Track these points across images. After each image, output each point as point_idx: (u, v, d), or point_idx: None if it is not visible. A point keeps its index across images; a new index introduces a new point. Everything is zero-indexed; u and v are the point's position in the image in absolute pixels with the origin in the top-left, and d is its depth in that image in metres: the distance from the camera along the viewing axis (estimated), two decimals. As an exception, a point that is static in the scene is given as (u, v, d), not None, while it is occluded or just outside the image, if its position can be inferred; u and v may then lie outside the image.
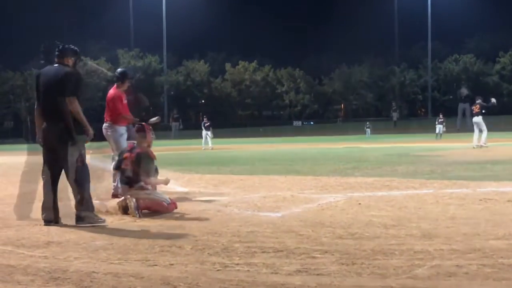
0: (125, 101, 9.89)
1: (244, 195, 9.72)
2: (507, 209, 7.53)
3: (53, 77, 7.13)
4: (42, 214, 7.16)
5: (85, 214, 6.97)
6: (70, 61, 7.35)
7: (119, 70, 10.24)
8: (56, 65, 7.29)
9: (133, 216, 7.55)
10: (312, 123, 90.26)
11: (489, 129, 24.38)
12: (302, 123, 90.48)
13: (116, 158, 9.52)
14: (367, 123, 66.80)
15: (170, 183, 8.79)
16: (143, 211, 7.73)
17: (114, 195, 9.29)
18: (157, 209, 7.91)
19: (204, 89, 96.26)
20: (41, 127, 7.18)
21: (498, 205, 7.93)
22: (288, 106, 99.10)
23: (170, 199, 8.15)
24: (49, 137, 7.08)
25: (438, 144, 32.51)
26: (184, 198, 9.57)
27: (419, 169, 14.12)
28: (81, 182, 7.04)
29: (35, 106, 7.34)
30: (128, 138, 9.70)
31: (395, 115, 45.84)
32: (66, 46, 7.48)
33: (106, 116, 9.83)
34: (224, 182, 11.93)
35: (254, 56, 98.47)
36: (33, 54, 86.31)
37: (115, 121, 9.75)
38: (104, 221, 7.10)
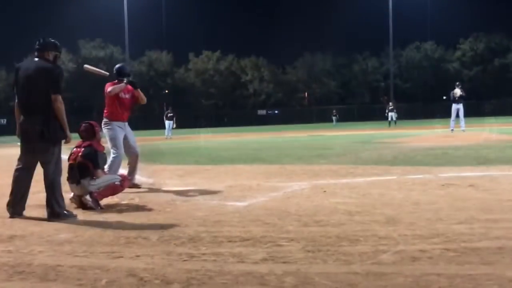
0: (125, 96, 9.67)
1: (210, 185, 9.71)
2: (468, 194, 7.66)
3: (34, 72, 6.93)
4: (9, 207, 7.05)
5: (58, 210, 6.89)
6: (51, 55, 7.13)
7: (116, 66, 9.99)
8: (36, 59, 7.09)
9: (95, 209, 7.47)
10: (276, 112, 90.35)
11: (450, 115, 24.82)
12: (267, 112, 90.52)
13: (113, 153, 9.44)
14: (334, 111, 67.23)
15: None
16: (101, 200, 7.63)
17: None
18: (113, 192, 7.84)
19: (167, 79, 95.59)
20: (18, 121, 7.03)
21: (460, 190, 8.06)
22: (252, 95, 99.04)
23: (119, 175, 8.07)
24: (27, 131, 6.95)
25: (400, 131, 32.87)
26: (149, 189, 9.53)
27: (382, 156, 14.29)
28: (55, 178, 6.96)
29: (16, 101, 7.14)
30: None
31: (393, 115, 45.79)
32: (47, 39, 7.24)
33: (106, 114, 9.65)
34: (190, 173, 11.90)
35: (218, 45, 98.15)
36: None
37: (111, 117, 9.59)
38: (76, 216, 7.01)
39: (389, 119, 47.26)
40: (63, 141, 7.09)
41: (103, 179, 7.81)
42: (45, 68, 6.93)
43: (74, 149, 8.00)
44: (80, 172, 7.67)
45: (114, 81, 9.65)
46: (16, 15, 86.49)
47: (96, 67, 10.37)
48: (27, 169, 7.08)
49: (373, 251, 4.77)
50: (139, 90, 9.72)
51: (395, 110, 47.21)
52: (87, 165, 7.72)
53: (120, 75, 9.68)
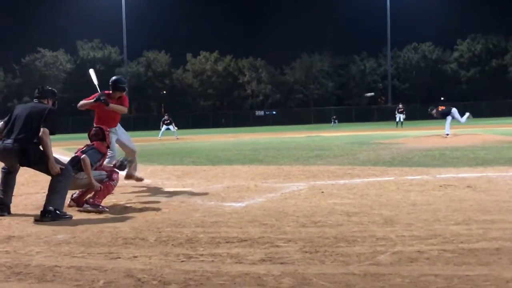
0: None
1: (208, 185, 9.71)
2: (466, 195, 7.67)
3: (35, 108, 7.30)
4: None
5: (51, 209, 6.89)
6: (50, 102, 7.62)
7: (112, 79, 9.92)
8: (36, 100, 7.54)
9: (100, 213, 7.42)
10: (274, 112, 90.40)
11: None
12: (265, 113, 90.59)
13: (109, 153, 9.43)
14: (334, 116, 67.37)
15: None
16: (101, 202, 7.60)
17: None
18: (108, 191, 7.77)
19: (165, 79, 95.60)
20: None
21: (458, 191, 8.08)
22: (250, 96, 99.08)
23: (107, 170, 7.97)
24: (13, 153, 7.10)
25: (398, 132, 32.94)
26: (147, 189, 9.53)
27: (380, 157, 14.29)
28: (59, 181, 7.02)
29: None
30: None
31: (401, 117, 46.20)
32: (46, 88, 7.86)
33: (95, 122, 9.59)
34: (187, 173, 11.90)
35: (215, 46, 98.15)
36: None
37: (102, 124, 9.57)
38: (71, 217, 7.01)
39: (397, 120, 47.61)
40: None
41: (87, 174, 7.70)
42: (45, 107, 7.34)
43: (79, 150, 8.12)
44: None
45: (109, 91, 9.60)
46: (14, 16, 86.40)
47: (94, 69, 10.37)
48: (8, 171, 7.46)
49: (370, 252, 4.77)
50: (111, 105, 9.46)
51: (404, 112, 47.59)
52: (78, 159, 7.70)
53: (114, 88, 9.64)
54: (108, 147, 8.48)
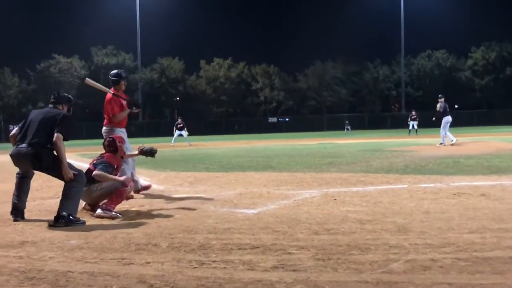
0: (124, 102, 9.82)
1: (220, 192, 9.71)
2: (480, 203, 7.62)
3: (49, 113, 7.37)
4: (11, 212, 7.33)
5: (65, 214, 6.93)
6: (65, 107, 7.68)
7: (113, 72, 10.14)
8: (51, 106, 7.61)
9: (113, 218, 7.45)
10: (287, 119, 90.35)
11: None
12: (278, 120, 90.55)
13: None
14: (346, 121, 67.23)
15: (146, 181, 8.73)
16: (115, 209, 7.64)
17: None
18: (122, 198, 7.80)
19: (179, 86, 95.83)
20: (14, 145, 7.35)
21: (472, 199, 8.02)
22: (263, 102, 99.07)
23: (123, 178, 7.99)
24: (26, 158, 7.16)
25: (411, 139, 32.81)
26: (160, 195, 9.54)
27: (393, 164, 14.24)
28: (72, 187, 7.07)
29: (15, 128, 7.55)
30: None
31: (414, 124, 46.13)
32: (62, 94, 7.85)
33: (105, 119, 9.78)
34: (200, 180, 11.91)
35: (229, 53, 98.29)
36: (5, 51, 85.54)
37: (114, 124, 9.70)
38: (84, 223, 7.04)
39: (410, 127, 47.49)
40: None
41: (106, 184, 7.84)
42: (59, 112, 7.40)
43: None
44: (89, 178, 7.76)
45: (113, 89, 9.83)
46: (29, 23, 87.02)
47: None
48: (24, 176, 7.51)
49: (383, 259, 4.75)
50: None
51: (417, 120, 47.43)
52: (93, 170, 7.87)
53: (118, 79, 9.93)
54: (122, 157, 8.53)
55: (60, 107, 7.60)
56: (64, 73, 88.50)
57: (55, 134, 7.04)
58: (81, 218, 7.12)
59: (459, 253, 4.89)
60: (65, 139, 7.11)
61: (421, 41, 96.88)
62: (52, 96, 7.69)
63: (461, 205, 7.53)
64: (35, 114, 7.44)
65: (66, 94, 7.99)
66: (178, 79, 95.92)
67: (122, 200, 7.88)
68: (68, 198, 6.99)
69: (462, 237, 5.50)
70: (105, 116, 9.80)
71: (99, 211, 7.53)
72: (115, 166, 8.20)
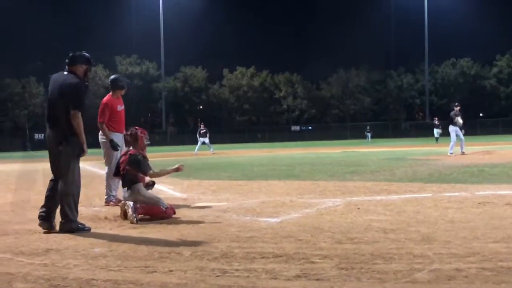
0: (120, 108, 9.94)
1: (243, 200, 9.72)
2: (505, 212, 7.54)
3: (58, 87, 7.09)
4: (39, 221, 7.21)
5: (70, 223, 6.97)
6: (81, 69, 7.27)
7: (111, 77, 10.31)
8: (66, 73, 7.22)
9: (131, 221, 7.56)
10: (310, 128, 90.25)
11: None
12: (300, 128, 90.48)
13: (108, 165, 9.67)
14: (368, 127, 66.94)
15: (169, 189, 8.80)
16: (141, 216, 7.76)
17: (106, 203, 9.53)
18: (155, 213, 7.92)
19: (202, 95, 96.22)
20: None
21: (497, 208, 7.94)
22: (286, 111, 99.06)
23: (168, 204, 8.17)
24: (50, 143, 7.10)
25: (435, 148, 32.54)
26: (183, 204, 9.57)
27: (417, 173, 14.14)
28: (67, 191, 7.05)
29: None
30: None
31: (438, 132, 46.10)
32: (78, 53, 7.35)
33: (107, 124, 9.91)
34: (223, 188, 11.92)
35: (252, 61, 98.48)
36: (31, 61, 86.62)
37: (109, 128, 9.82)
38: (89, 229, 7.08)
39: (436, 135, 47.30)
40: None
41: (154, 196, 8.15)
42: (69, 83, 7.05)
43: (122, 157, 8.40)
44: (129, 179, 8.05)
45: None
46: (52, 33, 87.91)
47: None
48: (55, 180, 7.23)
49: (407, 269, 4.71)
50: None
51: (440, 127, 47.14)
52: (133, 172, 8.08)
53: (113, 86, 10.15)
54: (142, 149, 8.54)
55: (78, 70, 7.22)
56: (89, 81, 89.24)
57: (72, 111, 6.89)
58: (86, 225, 7.19)
59: (484, 263, 4.83)
60: (74, 108, 6.92)
61: (445, 49, 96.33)
62: (68, 57, 7.27)
63: (486, 214, 7.46)
64: (51, 90, 7.19)
65: (82, 53, 7.40)
66: (201, 88, 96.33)
67: (153, 215, 7.93)
68: (66, 204, 6.98)
69: (487, 247, 5.44)
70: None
71: (130, 204, 7.73)
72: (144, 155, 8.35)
